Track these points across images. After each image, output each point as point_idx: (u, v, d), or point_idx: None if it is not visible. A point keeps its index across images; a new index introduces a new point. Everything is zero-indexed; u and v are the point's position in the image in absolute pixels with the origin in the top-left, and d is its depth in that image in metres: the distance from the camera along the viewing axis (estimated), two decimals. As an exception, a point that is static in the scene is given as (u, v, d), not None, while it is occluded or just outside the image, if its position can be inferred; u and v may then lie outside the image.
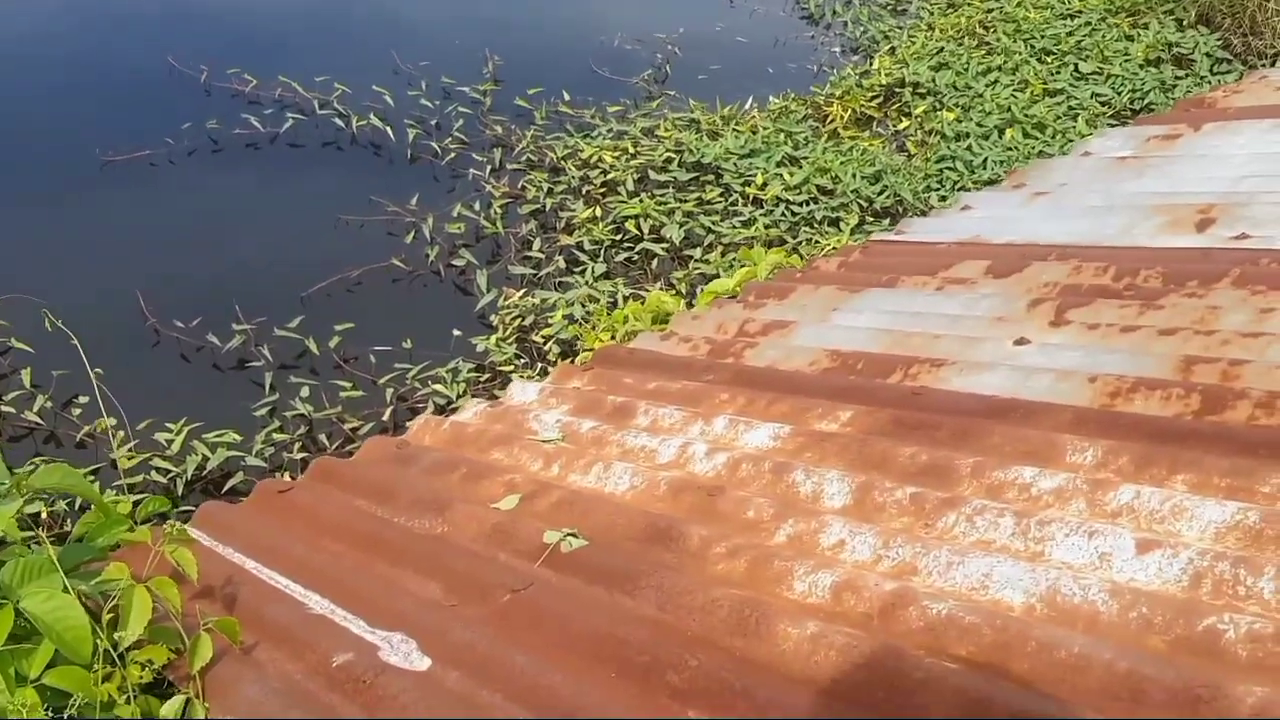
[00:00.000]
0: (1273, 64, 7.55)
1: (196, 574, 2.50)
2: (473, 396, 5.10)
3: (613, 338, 4.66)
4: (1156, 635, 2.06)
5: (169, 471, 4.56)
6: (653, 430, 3.22)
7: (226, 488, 4.55)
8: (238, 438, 4.69)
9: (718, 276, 5.63)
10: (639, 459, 3.08)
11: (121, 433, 4.57)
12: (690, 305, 5.26)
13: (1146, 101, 7.36)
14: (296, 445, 4.79)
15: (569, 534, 2.64)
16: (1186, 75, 7.69)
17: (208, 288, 5.38)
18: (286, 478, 4.56)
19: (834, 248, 5.51)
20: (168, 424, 4.68)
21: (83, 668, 2.17)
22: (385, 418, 5.00)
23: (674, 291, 5.68)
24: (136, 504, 3.13)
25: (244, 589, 2.64)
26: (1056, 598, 2.20)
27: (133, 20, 7.50)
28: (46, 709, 2.14)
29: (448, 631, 2.37)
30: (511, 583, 2.51)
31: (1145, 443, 2.66)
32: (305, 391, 4.98)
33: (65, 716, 2.15)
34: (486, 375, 5.23)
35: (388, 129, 6.64)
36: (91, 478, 4.42)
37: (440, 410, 4.99)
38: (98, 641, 2.22)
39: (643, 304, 4.95)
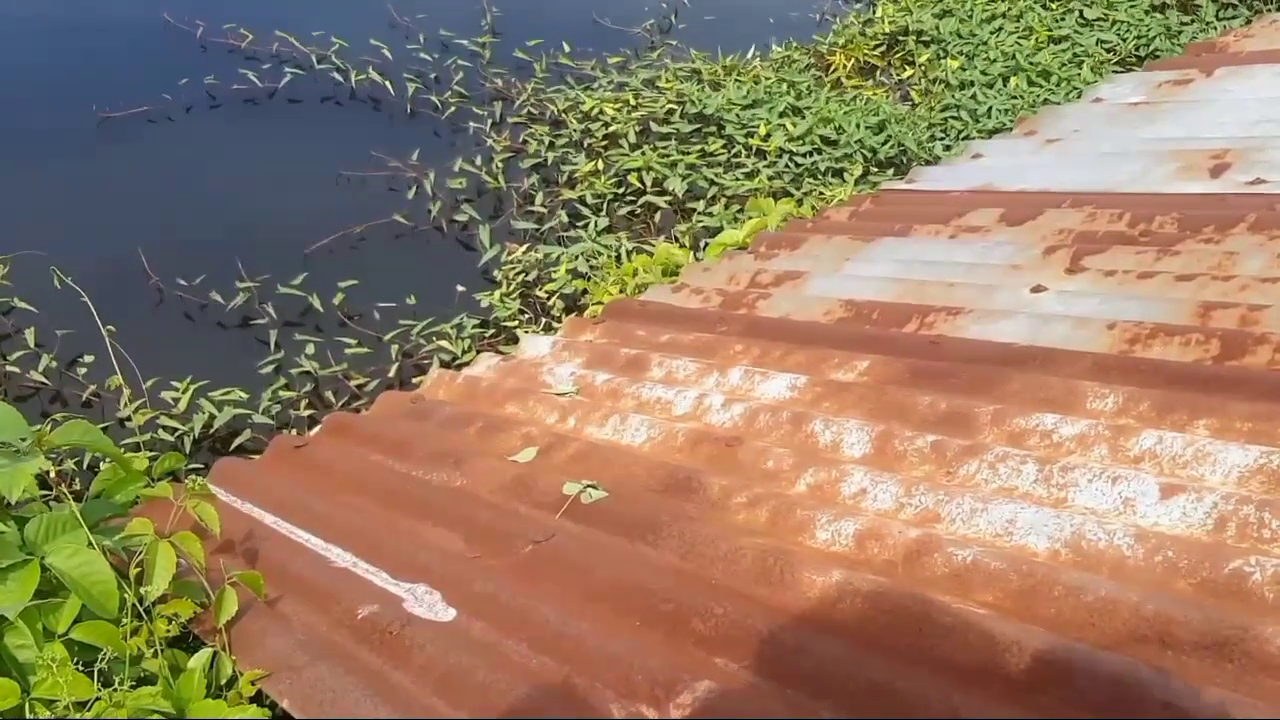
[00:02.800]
0: (1279, 9, 7.47)
1: (219, 527, 2.49)
2: (478, 352, 5.09)
3: (622, 291, 4.64)
4: (1182, 579, 2.07)
5: (176, 429, 4.55)
6: (667, 382, 3.21)
7: (234, 445, 4.54)
8: (244, 395, 4.68)
9: (721, 229, 5.59)
10: (655, 411, 3.07)
11: (129, 391, 4.55)
12: (698, 258, 5.23)
13: (1152, 48, 7.29)
14: (303, 402, 4.78)
15: (589, 485, 2.64)
16: (1192, 20, 7.62)
17: (210, 245, 5.33)
18: (294, 434, 4.57)
19: (841, 200, 5.48)
20: (173, 382, 4.66)
21: (110, 622, 2.17)
22: (391, 374, 4.98)
23: (680, 245, 5.65)
24: (152, 461, 3.11)
25: (265, 543, 2.64)
26: (1081, 543, 2.20)
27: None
28: (75, 663, 2.14)
29: (471, 583, 2.38)
30: (533, 534, 2.50)
31: (1166, 388, 2.65)
32: (310, 349, 4.96)
33: (94, 670, 2.15)
34: (491, 331, 5.21)
35: (387, 83, 6.56)
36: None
37: (446, 365, 4.98)
38: (124, 596, 2.22)
39: (651, 256, 4.92)
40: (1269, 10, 7.47)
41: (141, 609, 2.31)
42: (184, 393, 4.64)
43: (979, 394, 2.80)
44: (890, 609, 2.07)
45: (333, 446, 3.15)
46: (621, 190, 6.04)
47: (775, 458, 2.68)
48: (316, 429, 3.75)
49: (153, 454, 4.40)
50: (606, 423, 3.00)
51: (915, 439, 2.64)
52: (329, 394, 4.87)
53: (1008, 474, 2.47)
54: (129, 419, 4.51)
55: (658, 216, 5.94)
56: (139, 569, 2.27)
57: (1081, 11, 7.64)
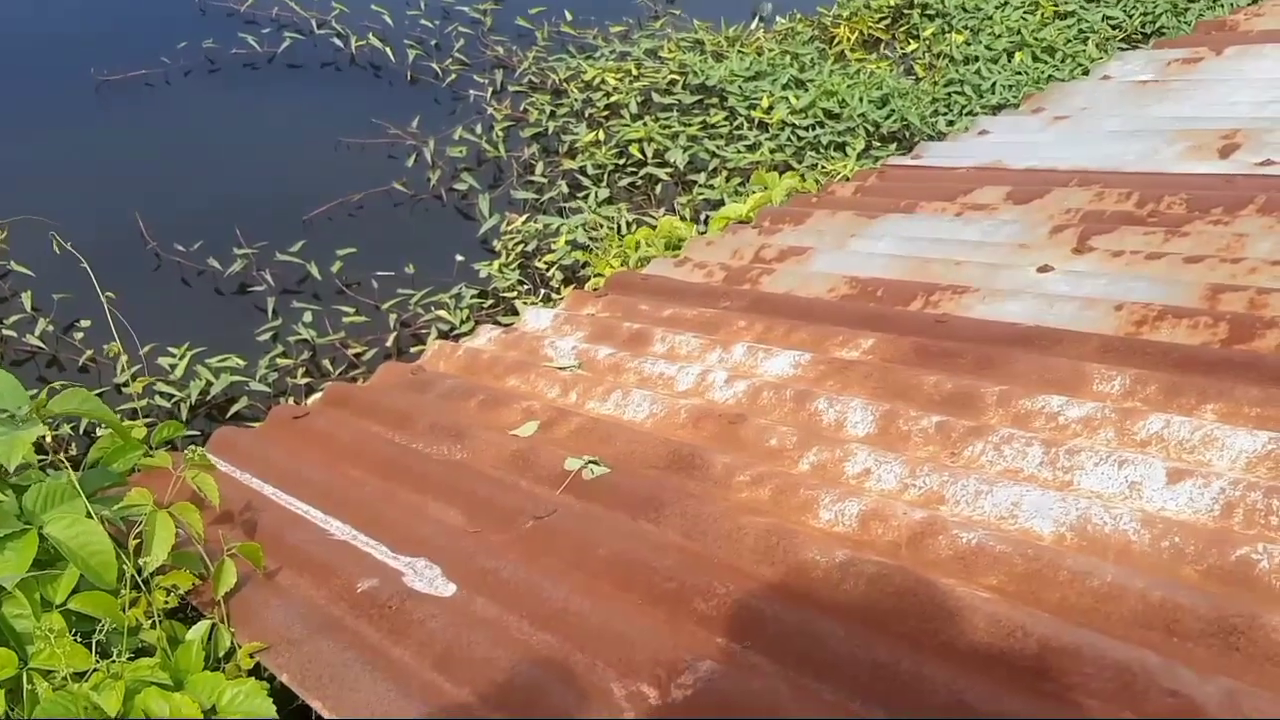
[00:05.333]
0: (1288, -13, 7.40)
1: (218, 497, 2.47)
2: (477, 323, 5.06)
3: (624, 264, 4.60)
4: (1189, 565, 2.05)
5: (173, 396, 4.53)
6: (670, 358, 3.18)
7: (231, 412, 4.53)
8: (241, 362, 4.66)
9: (723, 202, 5.56)
10: (657, 386, 3.04)
11: (125, 357, 4.53)
12: (700, 231, 5.20)
13: (1158, 25, 7.23)
14: (300, 370, 4.77)
15: (590, 461, 2.62)
16: (1200, -2, 7.55)
17: (208, 211, 5.29)
18: (291, 403, 4.55)
19: (845, 176, 5.44)
20: (170, 348, 4.64)
21: (108, 593, 2.15)
22: (389, 343, 4.97)
23: (679, 219, 5.61)
24: (150, 428, 3.09)
25: (264, 514, 2.62)
26: (1087, 527, 2.19)
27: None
28: (74, 633, 2.12)
29: (472, 558, 2.36)
30: (534, 509, 2.49)
31: (1173, 372, 2.63)
32: (308, 316, 4.94)
33: (92, 641, 2.14)
34: (490, 301, 5.18)
35: (387, 49, 6.49)
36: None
37: (444, 336, 4.96)
38: (123, 567, 2.20)
39: (653, 229, 4.88)
40: (1278, -11, 7.40)
41: (140, 580, 2.29)
42: (181, 359, 4.62)
43: (985, 374, 2.78)
44: (894, 591, 2.06)
45: (333, 417, 3.13)
46: (622, 161, 6.00)
47: (779, 436, 2.66)
48: (315, 397, 3.73)
49: (150, 420, 4.40)
50: (609, 398, 2.98)
51: (920, 419, 2.62)
52: (326, 362, 4.86)
53: (1013, 456, 2.45)
54: (126, 384, 4.48)
55: (659, 188, 5.90)
56: (138, 540, 2.25)
57: (1089, -14, 7.57)
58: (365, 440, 2.92)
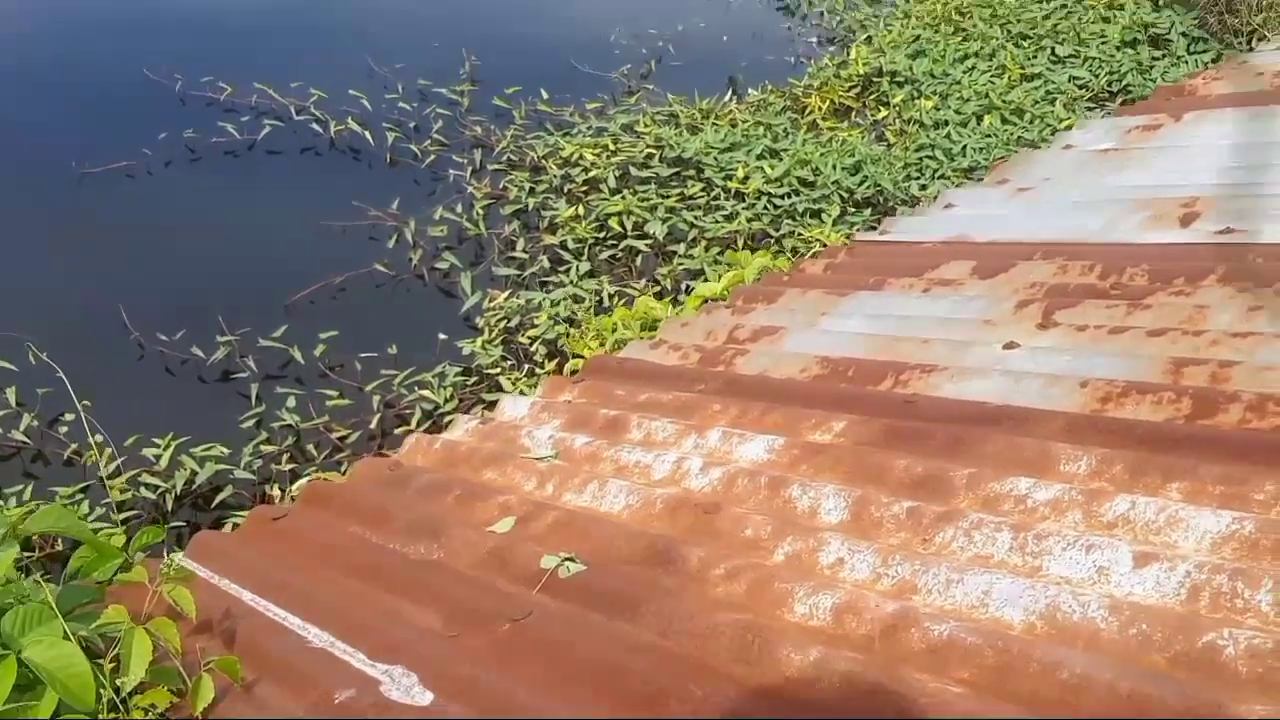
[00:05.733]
0: (1249, 43, 7.56)
1: (195, 612, 2.48)
2: (460, 400, 5.09)
3: (601, 345, 4.65)
4: (1157, 652, 2.08)
5: (158, 487, 4.54)
6: (646, 444, 3.22)
7: (216, 501, 4.54)
8: (225, 450, 4.68)
9: (702, 271, 5.63)
10: (634, 475, 3.07)
11: (109, 449, 4.55)
12: (677, 302, 5.26)
13: (1124, 83, 7.36)
14: (285, 456, 4.78)
15: (567, 558, 2.64)
16: (1163, 55, 7.70)
17: (191, 299, 5.34)
18: (276, 490, 4.56)
19: (820, 242, 5.51)
20: (154, 439, 4.65)
21: (88, 715, 2.16)
22: (373, 425, 4.99)
23: (659, 289, 5.67)
24: (136, 523, 3.10)
25: (242, 622, 2.63)
26: (1056, 615, 2.21)
27: (103, 30, 7.41)
28: (52, 759, 2.13)
29: (449, 664, 2.37)
30: (511, 611, 2.50)
31: (1138, 449, 2.67)
32: (291, 401, 4.96)
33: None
34: (474, 379, 5.22)
35: (366, 133, 6.59)
36: (81, 495, 4.42)
37: (428, 415, 4.99)
38: (100, 690, 2.21)
39: (630, 309, 4.94)
40: (1238, 46, 7.57)
41: (119, 700, 2.30)
42: (165, 449, 4.63)
43: (954, 456, 2.82)
44: (867, 689, 2.07)
45: (311, 517, 3.15)
46: (602, 234, 6.07)
47: (753, 525, 2.69)
48: (296, 492, 3.75)
49: (135, 512, 4.41)
50: (585, 489, 3.01)
51: (891, 505, 2.65)
52: (311, 447, 4.87)
53: (983, 541, 2.48)
54: (112, 477, 4.50)
55: (639, 260, 5.97)
56: (114, 664, 2.26)
57: (1053, 48, 7.73)
58: (343, 541, 2.94)
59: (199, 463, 4.65)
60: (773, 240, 6.02)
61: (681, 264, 5.79)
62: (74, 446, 4.55)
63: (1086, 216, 4.17)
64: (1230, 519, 2.34)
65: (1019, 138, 6.69)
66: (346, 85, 6.77)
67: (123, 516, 4.39)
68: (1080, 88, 7.34)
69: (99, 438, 4.35)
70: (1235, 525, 2.33)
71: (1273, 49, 6.00)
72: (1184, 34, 7.78)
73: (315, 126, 6.59)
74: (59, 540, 4.13)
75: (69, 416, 4.57)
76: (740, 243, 5.91)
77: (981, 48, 7.77)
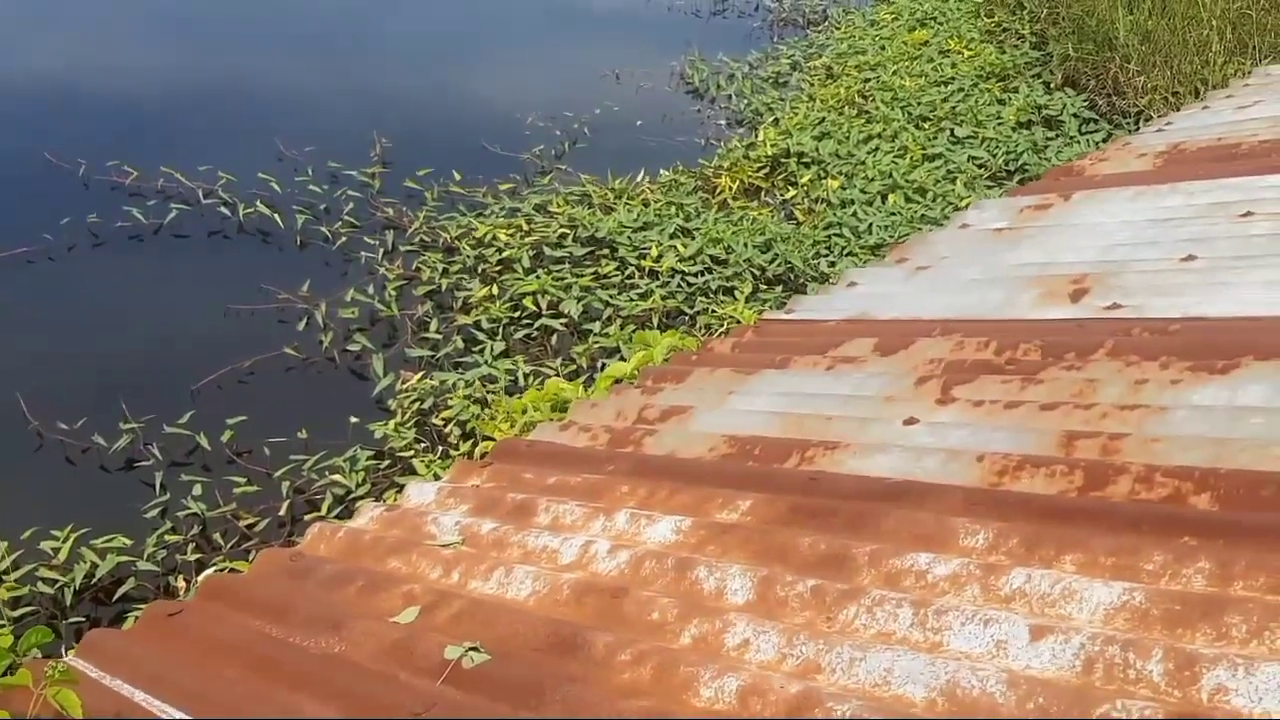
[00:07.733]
0: (1136, 123, 7.95)
1: (81, 715, 2.38)
2: (373, 484, 5.02)
3: (512, 427, 4.64)
4: (1054, 726, 2.10)
5: (56, 581, 4.40)
6: (554, 529, 3.19)
7: (118, 595, 4.40)
8: (128, 542, 4.57)
9: (618, 349, 5.67)
10: (541, 560, 3.05)
11: (3, 544, 4.40)
12: (591, 381, 5.27)
13: (1021, 162, 7.68)
14: (190, 546, 4.68)
15: (471, 648, 2.59)
16: (1057, 135, 8.07)
17: (93, 387, 5.24)
18: (181, 581, 4.43)
19: (734, 319, 5.60)
20: (53, 531, 4.53)
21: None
22: (282, 512, 4.90)
23: (575, 368, 5.70)
24: (30, 620, 2.98)
25: (131, 726, 2.53)
26: (956, 691, 2.23)
27: (3, 114, 7.30)
28: None
29: (349, 762, 2.30)
30: (413, 705, 2.44)
31: (1033, 522, 2.73)
32: (198, 490, 4.87)
33: None
34: (386, 462, 5.16)
35: (275, 216, 6.56)
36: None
37: (340, 500, 4.91)
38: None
39: (541, 391, 4.95)
40: (1126, 126, 7.95)
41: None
42: (64, 542, 4.50)
43: (857, 533, 2.85)
44: (771, 775, 2.06)
45: (209, 611, 3.05)
46: (517, 314, 6.10)
47: (660, 608, 2.68)
48: (196, 586, 3.64)
49: (32, 609, 4.25)
50: (491, 576, 2.97)
51: (796, 584, 2.66)
52: (218, 535, 4.77)
53: (885, 618, 2.50)
54: (5, 572, 4.34)
55: (554, 339, 6.00)
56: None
57: (952, 130, 8.04)
58: (241, 635, 2.85)
59: (100, 555, 4.53)
60: (688, 318, 6.11)
61: (597, 342, 5.83)
62: (-33, 542, 4.39)
63: (983, 293, 4.30)
64: (1121, 589, 2.40)
65: (922, 215, 6.92)
66: (256, 168, 6.76)
67: (18, 613, 4.23)
68: (979, 167, 7.64)
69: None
70: (1126, 596, 2.38)
71: (1154, 130, 6.32)
72: (1075, 115, 8.17)
73: (224, 210, 6.56)
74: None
75: (-39, 512, 4.42)
76: (656, 320, 5.99)
77: (884, 129, 8.06)
